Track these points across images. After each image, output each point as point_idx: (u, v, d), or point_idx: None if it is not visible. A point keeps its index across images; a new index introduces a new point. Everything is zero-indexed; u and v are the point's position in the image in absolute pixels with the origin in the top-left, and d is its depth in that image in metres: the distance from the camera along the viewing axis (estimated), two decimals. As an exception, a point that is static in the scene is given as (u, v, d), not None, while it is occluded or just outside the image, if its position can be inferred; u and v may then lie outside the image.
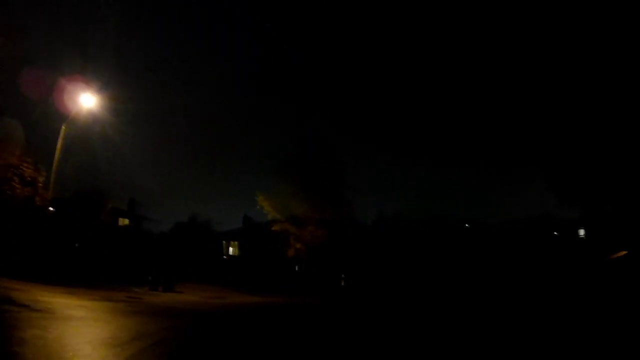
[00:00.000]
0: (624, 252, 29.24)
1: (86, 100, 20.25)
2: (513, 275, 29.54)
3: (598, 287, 21.83)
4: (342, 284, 29.71)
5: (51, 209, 27.04)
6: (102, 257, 29.45)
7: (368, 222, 41.42)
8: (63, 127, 20.15)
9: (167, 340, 8.87)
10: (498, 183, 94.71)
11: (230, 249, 53.90)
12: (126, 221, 45.26)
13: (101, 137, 24.39)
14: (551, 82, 22.36)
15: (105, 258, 29.39)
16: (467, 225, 48.20)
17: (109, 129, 22.84)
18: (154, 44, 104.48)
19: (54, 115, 20.98)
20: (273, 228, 30.81)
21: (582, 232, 53.24)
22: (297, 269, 31.96)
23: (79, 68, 24.97)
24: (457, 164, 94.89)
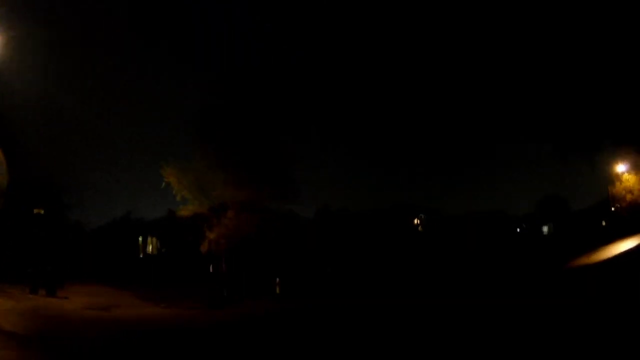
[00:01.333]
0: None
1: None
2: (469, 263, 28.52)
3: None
4: (278, 290, 22.95)
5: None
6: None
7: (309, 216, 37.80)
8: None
9: None
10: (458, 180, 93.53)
11: (150, 247, 47.60)
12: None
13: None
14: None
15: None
16: (422, 216, 44.86)
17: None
18: None
19: None
20: (180, 213, 23.05)
21: (545, 228, 51.59)
22: (211, 269, 24.58)
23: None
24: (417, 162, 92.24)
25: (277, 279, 22.71)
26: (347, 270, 28.17)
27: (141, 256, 46.06)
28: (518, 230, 49.48)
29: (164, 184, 22.85)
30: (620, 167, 36.83)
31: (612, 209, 48.90)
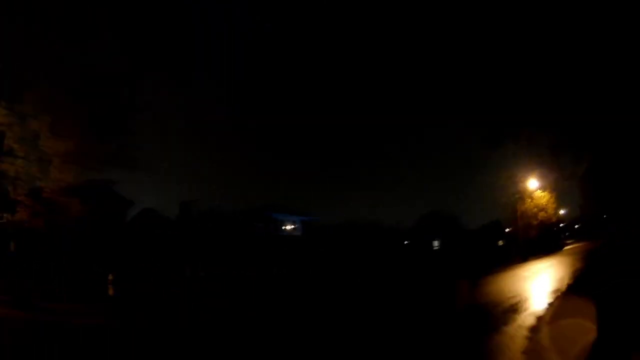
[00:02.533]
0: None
1: None
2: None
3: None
4: (111, 292, 15.98)
5: None
6: None
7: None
8: None
9: None
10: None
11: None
12: None
13: None
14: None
15: None
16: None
17: None
18: None
19: None
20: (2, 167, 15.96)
21: (436, 243, 49.98)
22: (12, 248, 17.35)
23: None
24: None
25: (111, 276, 15.85)
26: (209, 272, 23.72)
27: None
28: (405, 243, 47.01)
29: None
30: (533, 184, 35.37)
31: (507, 230, 48.42)
